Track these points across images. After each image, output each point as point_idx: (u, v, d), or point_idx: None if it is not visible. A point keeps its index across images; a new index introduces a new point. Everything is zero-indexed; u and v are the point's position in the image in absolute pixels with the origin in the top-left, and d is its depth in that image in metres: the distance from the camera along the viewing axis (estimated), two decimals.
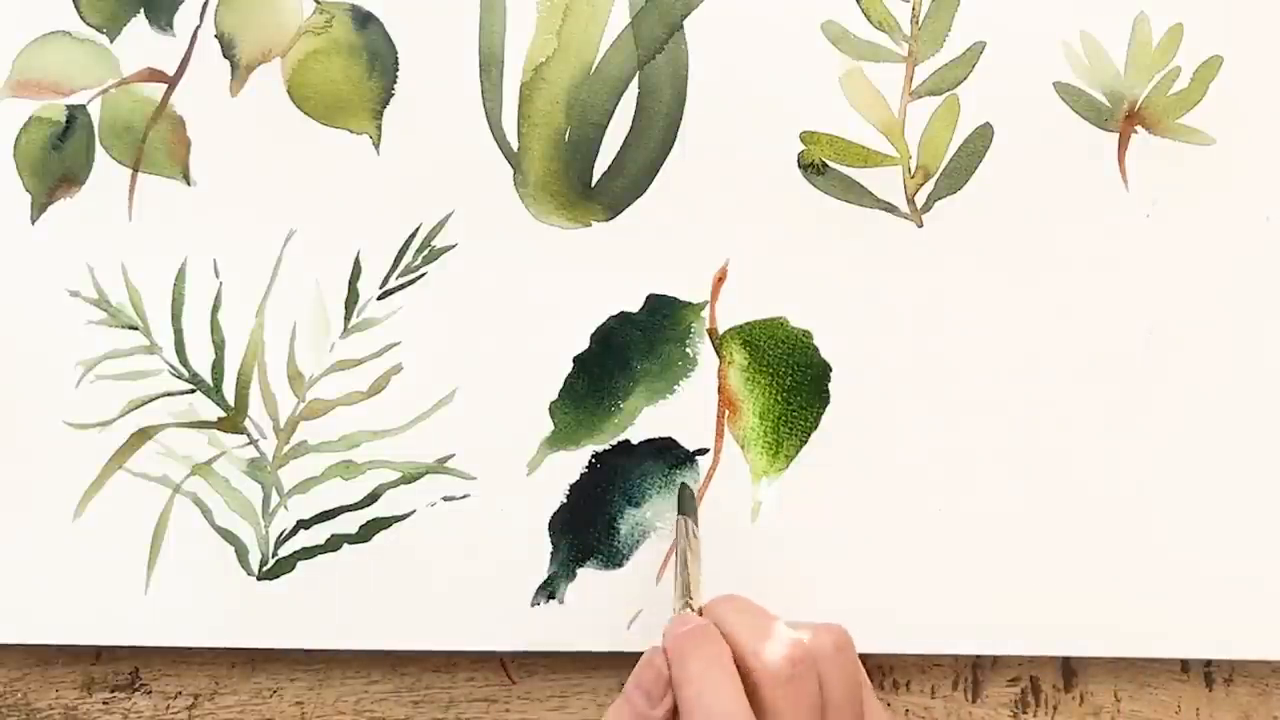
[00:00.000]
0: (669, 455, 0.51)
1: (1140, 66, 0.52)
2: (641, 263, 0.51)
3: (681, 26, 0.52)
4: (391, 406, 0.51)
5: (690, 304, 0.51)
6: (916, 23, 0.52)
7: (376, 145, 0.52)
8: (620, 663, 0.50)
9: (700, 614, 0.41)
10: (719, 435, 0.51)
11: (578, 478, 0.51)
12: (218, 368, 0.51)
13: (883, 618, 0.50)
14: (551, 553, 0.50)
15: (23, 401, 0.51)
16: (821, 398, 0.51)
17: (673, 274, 0.51)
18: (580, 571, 0.50)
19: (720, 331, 0.51)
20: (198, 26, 0.52)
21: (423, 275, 0.51)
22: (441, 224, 0.51)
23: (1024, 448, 0.50)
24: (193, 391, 0.51)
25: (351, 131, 0.52)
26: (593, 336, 0.51)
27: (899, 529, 0.50)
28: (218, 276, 0.52)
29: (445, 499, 0.50)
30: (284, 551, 0.50)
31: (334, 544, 0.50)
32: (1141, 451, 0.50)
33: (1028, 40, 0.51)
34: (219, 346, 0.51)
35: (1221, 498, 0.50)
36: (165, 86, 0.52)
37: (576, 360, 0.51)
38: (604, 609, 0.50)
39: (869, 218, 0.51)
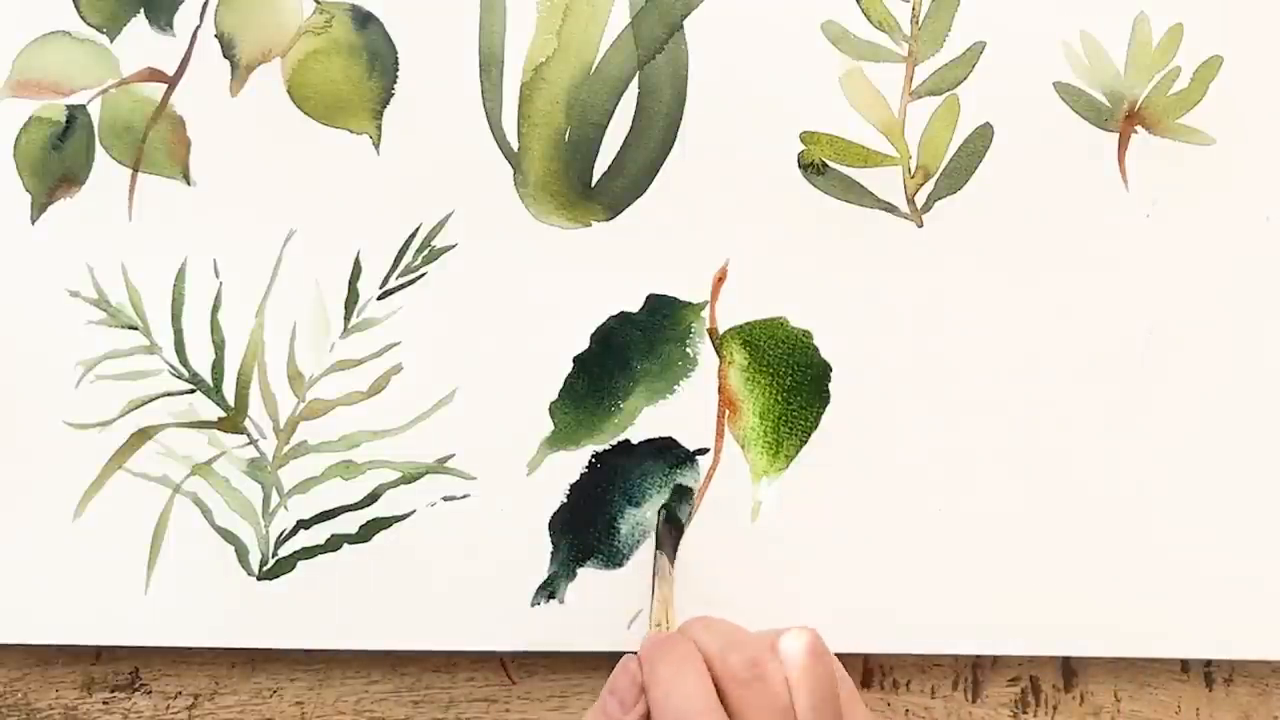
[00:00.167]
0: (669, 455, 0.51)
1: (1140, 66, 0.52)
2: (641, 263, 0.51)
3: (681, 26, 0.52)
4: (391, 406, 0.51)
5: (690, 304, 0.51)
6: (916, 23, 0.52)
7: (376, 145, 0.52)
8: None
9: None
10: (719, 435, 0.51)
11: (578, 478, 0.51)
12: (218, 368, 0.51)
13: (883, 618, 0.50)
14: (552, 553, 0.50)
15: (23, 401, 0.51)
16: (821, 398, 0.51)
17: (673, 274, 0.51)
18: (580, 571, 0.50)
19: (720, 331, 0.51)
20: (198, 26, 0.52)
21: (423, 275, 0.51)
22: (441, 224, 0.51)
23: (1024, 448, 0.50)
24: (193, 391, 0.51)
25: (351, 131, 0.52)
26: (593, 336, 0.51)
27: (899, 529, 0.50)
28: (218, 276, 0.52)
29: (445, 499, 0.50)
30: (284, 551, 0.50)
31: (334, 544, 0.50)
32: (1141, 452, 0.50)
33: (1028, 40, 0.51)
34: (219, 346, 0.51)
35: (1221, 498, 0.50)
36: (165, 86, 0.52)
37: (576, 360, 0.51)
38: (604, 609, 0.50)
39: (869, 218, 0.51)
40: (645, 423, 0.51)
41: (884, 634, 0.50)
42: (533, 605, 0.50)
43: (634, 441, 0.51)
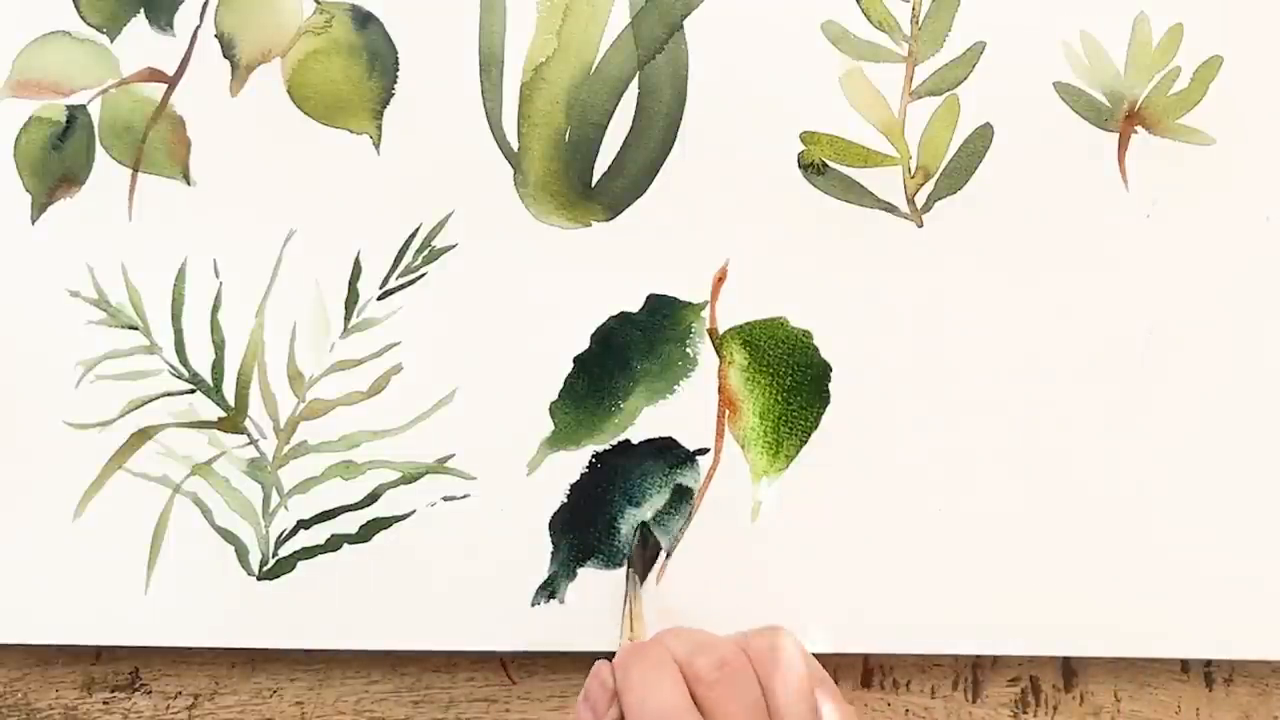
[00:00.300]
0: (669, 455, 0.51)
1: (1140, 66, 0.52)
2: (641, 263, 0.51)
3: (681, 26, 0.52)
4: (391, 406, 0.51)
5: (690, 304, 0.51)
6: (916, 23, 0.52)
7: (376, 145, 0.52)
8: None
9: None
10: (719, 435, 0.51)
11: (578, 478, 0.51)
12: (218, 368, 0.51)
13: (883, 618, 0.50)
14: (552, 552, 0.50)
15: (23, 401, 0.51)
16: (821, 398, 0.51)
17: (673, 274, 0.51)
18: (581, 571, 0.50)
19: (720, 331, 0.51)
20: (198, 26, 0.52)
21: (423, 275, 0.51)
22: (441, 224, 0.51)
23: (1024, 448, 0.50)
24: (193, 391, 0.51)
25: (351, 131, 0.52)
26: (593, 336, 0.51)
27: (899, 529, 0.50)
28: (218, 276, 0.52)
29: (445, 499, 0.50)
30: (284, 551, 0.50)
31: (334, 544, 0.50)
32: (1141, 452, 0.50)
33: (1028, 40, 0.51)
34: (219, 346, 0.51)
35: (1221, 498, 0.50)
36: (165, 86, 0.52)
37: (576, 360, 0.51)
38: (604, 609, 0.50)
39: (869, 218, 0.51)
40: (645, 423, 0.51)
41: (884, 634, 0.50)
42: (533, 605, 0.50)
43: (634, 441, 0.51)
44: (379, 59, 0.52)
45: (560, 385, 0.51)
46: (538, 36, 0.52)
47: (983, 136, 0.51)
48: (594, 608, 0.50)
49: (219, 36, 0.52)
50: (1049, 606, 0.50)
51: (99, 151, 0.52)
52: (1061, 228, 0.51)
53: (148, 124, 0.52)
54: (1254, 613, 0.50)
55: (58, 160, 0.52)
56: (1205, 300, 0.51)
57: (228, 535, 0.51)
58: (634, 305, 0.51)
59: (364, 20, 0.52)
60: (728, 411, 0.51)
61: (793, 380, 0.51)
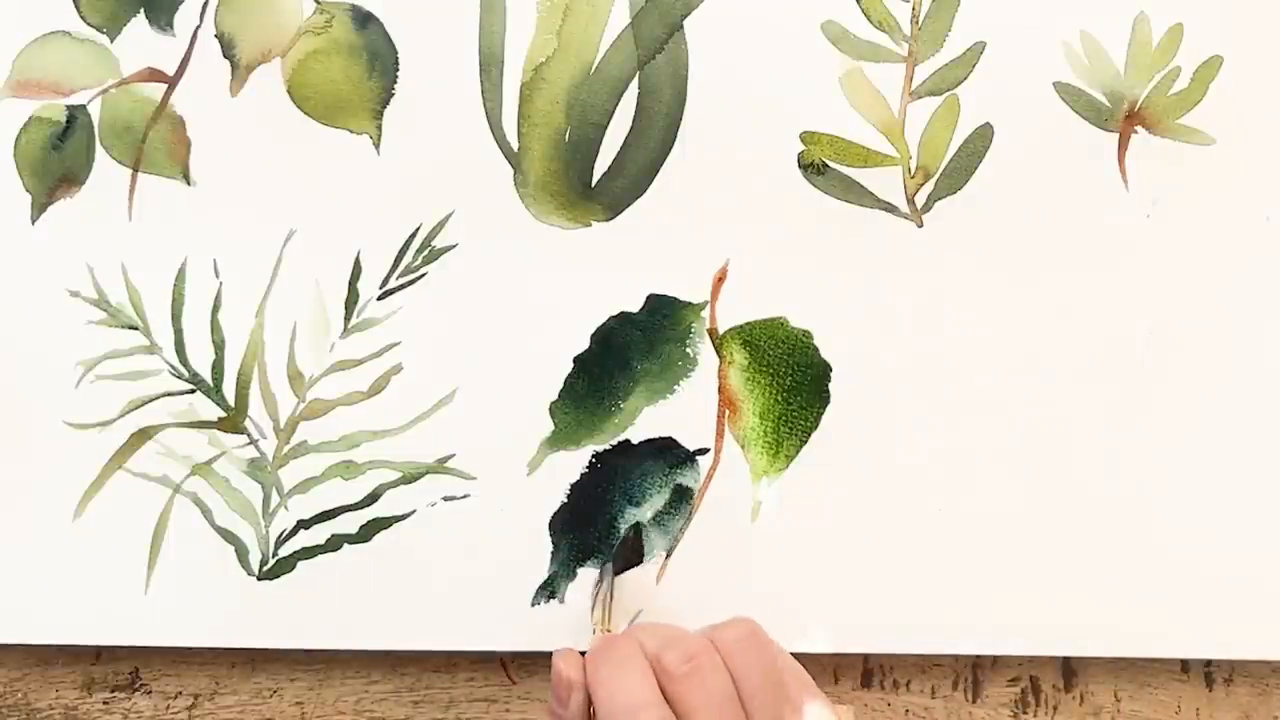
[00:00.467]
0: (669, 455, 0.51)
1: (1140, 66, 0.52)
2: (641, 263, 0.51)
3: (681, 26, 0.52)
4: (391, 406, 0.51)
5: (690, 304, 0.51)
6: (916, 23, 0.52)
7: (376, 145, 0.52)
8: None
9: None
10: (719, 435, 0.51)
11: (578, 478, 0.51)
12: (218, 368, 0.51)
13: (883, 618, 0.50)
14: (552, 552, 0.50)
15: (23, 401, 0.51)
16: (821, 398, 0.51)
17: (673, 274, 0.51)
18: (581, 571, 0.50)
19: (720, 331, 0.51)
20: (198, 26, 0.52)
21: (423, 275, 0.51)
22: (441, 224, 0.51)
23: (1024, 448, 0.50)
24: (193, 391, 0.51)
25: (351, 131, 0.52)
26: (593, 336, 0.51)
27: (899, 529, 0.50)
28: (218, 276, 0.52)
29: (445, 499, 0.50)
30: (284, 551, 0.50)
31: (334, 544, 0.50)
32: (1141, 452, 0.50)
33: (1028, 40, 0.51)
34: (219, 346, 0.51)
35: (1221, 498, 0.50)
36: (165, 86, 0.52)
37: (576, 360, 0.51)
38: None
39: (869, 218, 0.51)
40: (645, 423, 0.51)
41: (884, 634, 0.50)
42: (533, 605, 0.50)
43: (634, 441, 0.51)
44: (379, 59, 0.52)
45: (560, 385, 0.51)
46: (538, 36, 0.52)
47: (983, 136, 0.51)
48: None
49: (219, 36, 0.52)
50: (1049, 606, 0.50)
51: (99, 151, 0.52)
52: (1061, 228, 0.51)
53: (148, 124, 0.52)
54: (1254, 613, 0.50)
55: (58, 160, 0.52)
56: (1205, 300, 0.51)
57: (228, 535, 0.51)
58: (634, 305, 0.51)
59: (364, 20, 0.52)
60: (728, 411, 0.51)
61: (793, 380, 0.51)
